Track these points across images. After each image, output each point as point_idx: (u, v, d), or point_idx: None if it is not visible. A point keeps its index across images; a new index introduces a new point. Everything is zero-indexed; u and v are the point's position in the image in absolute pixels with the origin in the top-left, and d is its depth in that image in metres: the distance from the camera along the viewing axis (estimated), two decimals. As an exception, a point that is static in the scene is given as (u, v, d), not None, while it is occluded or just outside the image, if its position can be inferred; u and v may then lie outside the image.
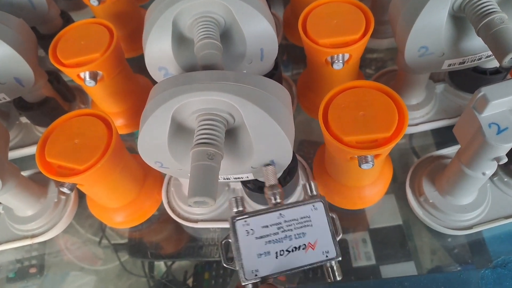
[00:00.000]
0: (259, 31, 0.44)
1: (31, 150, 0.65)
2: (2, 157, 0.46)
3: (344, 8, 0.50)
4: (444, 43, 0.45)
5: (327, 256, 0.33)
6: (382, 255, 0.52)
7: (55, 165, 0.45)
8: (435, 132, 0.60)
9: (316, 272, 0.53)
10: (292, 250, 0.33)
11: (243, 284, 0.32)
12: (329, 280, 0.33)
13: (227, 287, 0.53)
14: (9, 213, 0.57)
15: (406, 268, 0.51)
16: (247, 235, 0.34)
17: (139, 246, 0.57)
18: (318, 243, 0.34)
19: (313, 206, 0.35)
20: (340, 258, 0.33)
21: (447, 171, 0.48)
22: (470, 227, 0.50)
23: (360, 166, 0.41)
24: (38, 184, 0.57)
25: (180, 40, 0.46)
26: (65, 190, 0.44)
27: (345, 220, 0.56)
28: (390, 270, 0.51)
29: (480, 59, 0.48)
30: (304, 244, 0.33)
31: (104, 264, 0.57)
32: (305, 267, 0.33)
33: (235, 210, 0.35)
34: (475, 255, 0.51)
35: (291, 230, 0.34)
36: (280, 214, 0.34)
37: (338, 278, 0.33)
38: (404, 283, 0.50)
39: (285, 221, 0.34)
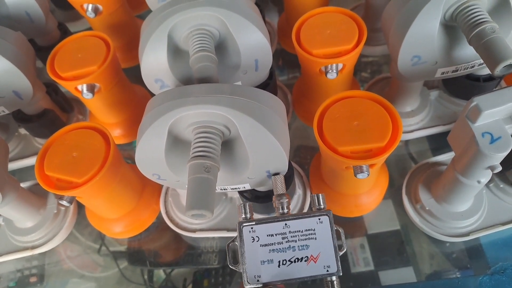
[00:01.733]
0: (253, 43, 0.45)
1: (30, 161, 0.66)
2: (2, 170, 0.47)
3: (337, 18, 0.51)
4: (437, 52, 0.46)
5: (327, 271, 0.34)
6: (380, 260, 0.52)
7: (54, 179, 0.45)
8: (431, 138, 0.61)
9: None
10: (295, 261, 0.34)
11: (245, 287, 0.34)
12: None
13: (227, 294, 0.54)
14: (9, 225, 0.58)
15: (405, 274, 0.51)
16: (253, 242, 0.35)
17: (138, 254, 0.57)
18: (321, 256, 0.34)
19: (319, 219, 0.35)
20: (340, 274, 0.34)
21: (443, 179, 0.48)
22: (467, 234, 0.50)
23: (355, 175, 0.41)
24: (38, 195, 0.58)
25: (175, 52, 0.46)
26: (64, 203, 0.44)
27: (342, 225, 0.55)
28: (388, 276, 0.51)
29: (473, 66, 0.48)
30: (307, 256, 0.34)
31: (103, 272, 0.57)
32: (305, 279, 0.34)
33: (243, 216, 0.36)
34: (473, 262, 0.51)
35: (295, 241, 0.35)
36: (286, 224, 0.35)
37: None
38: (402, 290, 0.50)
39: (290, 232, 0.35)
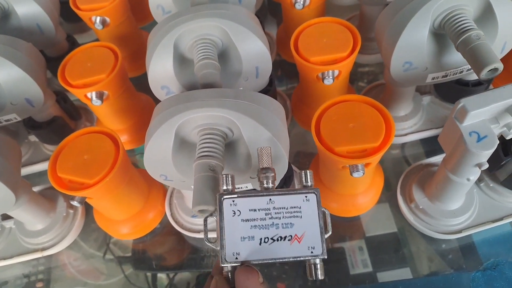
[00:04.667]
0: (254, 51, 0.47)
1: (40, 167, 0.68)
2: (16, 172, 0.49)
3: (333, 28, 0.53)
4: (426, 58, 0.48)
5: (312, 252, 0.31)
6: (378, 262, 0.54)
7: (66, 180, 0.47)
8: (425, 141, 0.63)
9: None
10: (277, 240, 0.31)
11: (222, 265, 0.31)
12: (310, 278, 0.31)
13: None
14: (20, 228, 0.60)
15: (402, 274, 0.53)
16: (233, 216, 0.32)
17: (143, 258, 0.59)
18: (305, 236, 0.32)
19: (306, 197, 0.32)
20: (325, 257, 0.31)
21: (435, 178, 0.50)
22: (460, 231, 0.52)
23: (351, 174, 0.43)
24: (48, 199, 0.60)
25: (181, 60, 0.49)
26: (75, 203, 0.47)
27: (341, 228, 0.58)
28: (386, 277, 0.53)
29: (461, 72, 0.51)
30: (291, 235, 0.32)
31: (108, 279, 0.58)
32: (288, 260, 0.31)
33: (224, 187, 0.33)
34: (466, 259, 0.53)
35: (279, 218, 0.32)
36: (270, 199, 0.32)
37: (320, 278, 0.31)
38: (399, 286, 0.52)
39: (274, 208, 0.32)
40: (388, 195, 0.58)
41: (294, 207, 0.32)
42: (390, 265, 0.54)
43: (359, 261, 0.55)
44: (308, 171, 0.34)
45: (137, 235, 0.59)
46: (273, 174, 0.34)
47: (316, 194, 0.33)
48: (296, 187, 0.55)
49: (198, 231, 0.57)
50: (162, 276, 0.58)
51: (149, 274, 0.58)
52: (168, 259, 0.59)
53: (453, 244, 0.54)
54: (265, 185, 0.34)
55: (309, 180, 0.33)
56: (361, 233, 0.57)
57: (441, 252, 0.54)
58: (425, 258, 0.54)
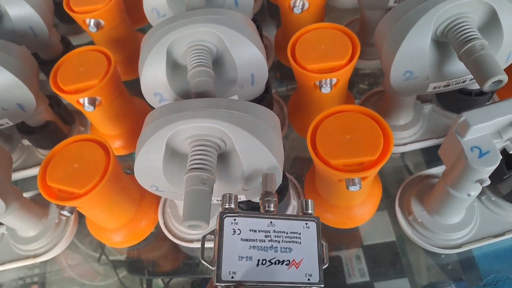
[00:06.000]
0: (250, 58, 0.46)
1: (33, 171, 0.67)
2: (5, 180, 0.48)
3: (331, 34, 0.52)
4: (428, 67, 0.47)
5: (309, 280, 0.32)
6: (376, 271, 0.53)
7: (55, 189, 0.46)
8: (425, 150, 0.61)
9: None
10: (275, 263, 0.32)
11: (216, 283, 0.30)
12: None
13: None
14: (12, 234, 0.59)
15: (400, 285, 0.52)
16: (233, 234, 0.32)
17: (137, 263, 0.58)
18: (303, 263, 0.32)
19: (306, 224, 0.33)
20: (322, 285, 0.31)
21: (434, 192, 0.49)
22: (459, 246, 0.50)
23: (347, 188, 0.42)
24: (40, 205, 0.59)
25: (174, 67, 0.48)
26: (65, 213, 0.45)
27: (338, 236, 0.57)
28: (384, 287, 0.52)
29: (464, 81, 0.50)
30: (289, 260, 0.32)
31: (103, 281, 0.58)
32: (284, 284, 0.31)
33: (226, 206, 0.34)
34: (466, 273, 0.51)
35: (279, 242, 0.32)
36: (271, 222, 0.33)
37: None
38: (396, 299, 0.51)
39: (275, 231, 0.33)
40: (387, 203, 0.57)
41: (294, 233, 0.33)
42: (388, 275, 0.53)
43: (356, 270, 0.54)
44: (309, 200, 0.35)
45: (130, 243, 0.58)
46: (275, 199, 0.35)
47: (316, 223, 0.34)
48: (292, 203, 0.54)
49: (191, 241, 0.56)
50: (157, 281, 0.57)
51: (143, 278, 0.57)
52: (162, 264, 0.58)
53: (452, 257, 0.52)
54: (266, 209, 0.35)
55: (310, 209, 0.35)
56: (359, 242, 0.56)
57: (441, 264, 0.52)
58: (424, 269, 0.52)
